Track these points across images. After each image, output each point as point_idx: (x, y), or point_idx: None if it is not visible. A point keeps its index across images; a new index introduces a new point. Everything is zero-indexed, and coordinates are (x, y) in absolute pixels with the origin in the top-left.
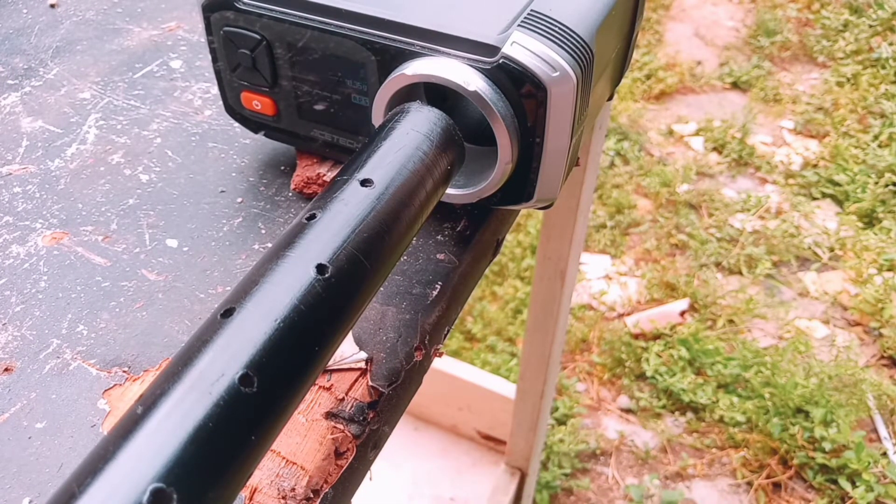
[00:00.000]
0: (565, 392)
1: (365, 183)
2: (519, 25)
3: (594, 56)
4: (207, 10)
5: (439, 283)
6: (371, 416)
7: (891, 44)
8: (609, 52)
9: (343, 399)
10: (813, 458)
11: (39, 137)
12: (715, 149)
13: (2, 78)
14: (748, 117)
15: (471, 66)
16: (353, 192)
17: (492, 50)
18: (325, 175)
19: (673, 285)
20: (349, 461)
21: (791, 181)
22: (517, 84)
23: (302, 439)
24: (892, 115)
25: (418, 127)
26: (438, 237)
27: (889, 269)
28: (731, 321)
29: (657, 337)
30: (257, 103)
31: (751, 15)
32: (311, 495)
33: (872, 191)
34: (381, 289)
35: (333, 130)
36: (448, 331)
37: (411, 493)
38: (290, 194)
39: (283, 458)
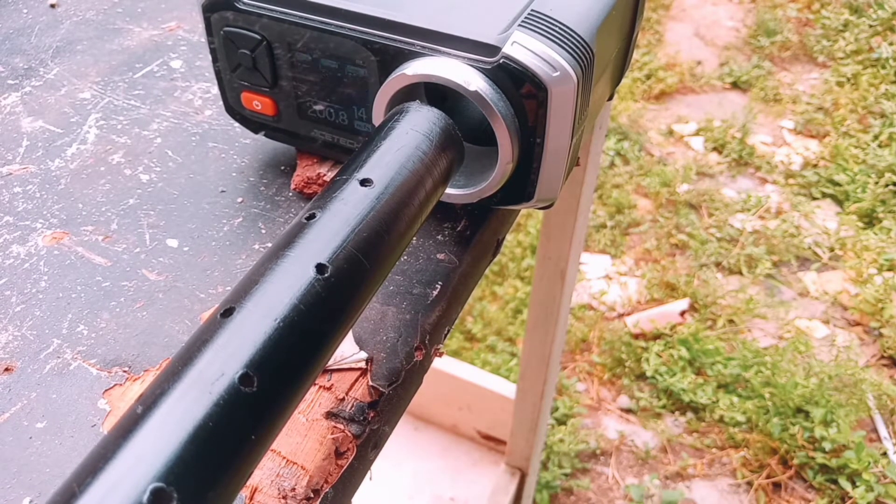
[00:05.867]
0: (565, 392)
1: (364, 182)
2: (519, 25)
3: (595, 56)
4: (207, 11)
5: (439, 282)
6: (371, 415)
7: (891, 44)
8: (609, 52)
9: (343, 399)
10: (813, 458)
11: (40, 137)
12: (715, 149)
13: (2, 78)
14: (748, 117)
15: (471, 65)
16: (352, 191)
17: (492, 50)
18: (325, 175)
19: (673, 285)
20: (349, 461)
21: (791, 181)
22: (518, 84)
23: (302, 439)
24: (892, 115)
25: (418, 126)
26: (439, 237)
27: (889, 269)
28: (731, 321)
29: (657, 337)
30: (257, 103)
31: (751, 15)
32: (312, 495)
33: (872, 191)
34: (382, 289)
35: (333, 130)
36: (448, 331)
37: (411, 493)
38: (291, 194)
39: (284, 457)
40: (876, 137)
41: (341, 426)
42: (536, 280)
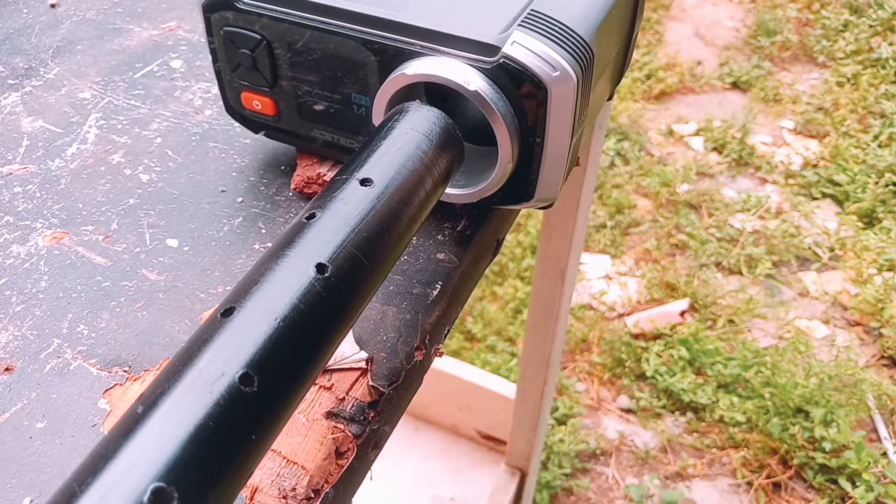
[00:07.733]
0: (565, 392)
1: (364, 182)
2: (519, 25)
3: (594, 56)
4: (207, 11)
5: (439, 282)
6: (372, 415)
7: (891, 44)
8: (609, 52)
9: (344, 399)
10: (813, 458)
11: (40, 137)
12: (715, 149)
13: (2, 78)
14: (748, 117)
15: (471, 65)
16: (352, 191)
17: (492, 49)
18: (325, 175)
19: (673, 285)
20: (350, 461)
21: (791, 181)
22: (517, 84)
23: (303, 439)
24: (892, 115)
25: (418, 126)
26: (439, 237)
27: (889, 269)
28: (731, 321)
29: (657, 337)
30: (258, 103)
31: (751, 15)
32: (312, 495)
33: (872, 191)
34: (382, 288)
35: (334, 130)
36: (448, 330)
37: (411, 493)
38: (291, 194)
39: (284, 457)
40: (876, 137)
41: (342, 426)
42: (536, 280)
